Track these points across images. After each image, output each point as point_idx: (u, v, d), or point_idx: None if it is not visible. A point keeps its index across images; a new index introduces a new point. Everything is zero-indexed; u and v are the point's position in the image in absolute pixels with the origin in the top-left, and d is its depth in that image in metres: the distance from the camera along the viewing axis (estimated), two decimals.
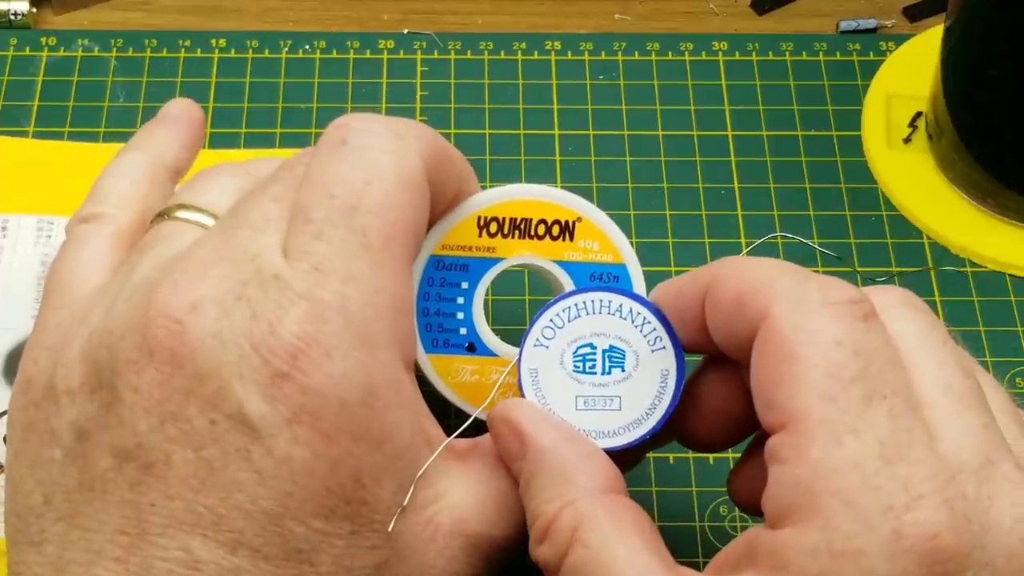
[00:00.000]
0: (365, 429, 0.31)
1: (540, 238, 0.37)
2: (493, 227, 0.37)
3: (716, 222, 0.50)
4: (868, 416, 0.29)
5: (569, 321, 0.35)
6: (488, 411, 0.36)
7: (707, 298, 0.32)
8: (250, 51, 0.54)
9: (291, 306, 0.31)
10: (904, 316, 0.32)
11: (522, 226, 0.37)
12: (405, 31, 0.55)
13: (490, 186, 0.38)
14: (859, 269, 0.49)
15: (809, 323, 0.30)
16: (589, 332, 0.35)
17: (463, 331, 0.37)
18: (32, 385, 0.33)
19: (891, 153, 0.52)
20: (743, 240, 0.50)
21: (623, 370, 0.34)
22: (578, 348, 0.35)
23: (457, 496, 0.33)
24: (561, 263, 0.37)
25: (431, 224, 0.36)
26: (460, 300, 0.37)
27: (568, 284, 0.37)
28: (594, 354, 0.35)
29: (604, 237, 0.37)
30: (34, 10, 0.55)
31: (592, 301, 0.35)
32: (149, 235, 0.35)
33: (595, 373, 0.34)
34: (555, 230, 0.37)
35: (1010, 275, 0.49)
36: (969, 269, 0.49)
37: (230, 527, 0.30)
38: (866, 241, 0.50)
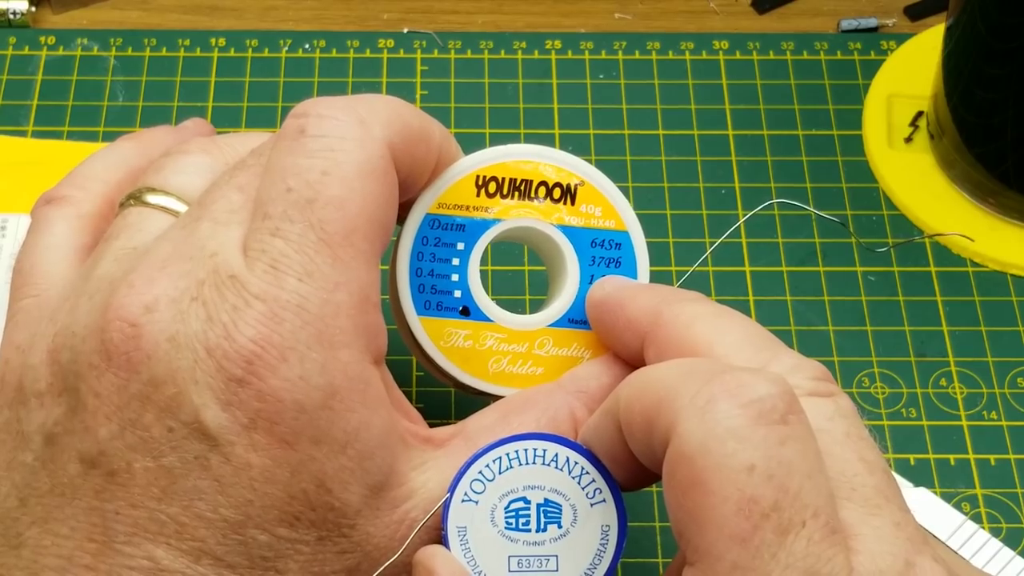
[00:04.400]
0: (326, 432, 0.30)
1: (540, 200, 0.36)
2: (492, 187, 0.35)
3: (717, 222, 0.50)
4: (783, 556, 0.26)
5: (500, 473, 0.32)
6: (483, 379, 0.35)
7: (623, 427, 0.30)
8: (250, 50, 0.54)
9: (246, 308, 0.30)
10: (810, 408, 0.29)
11: (522, 187, 0.36)
12: (405, 30, 0.55)
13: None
14: (860, 269, 0.49)
15: (717, 443, 0.26)
16: (522, 485, 0.32)
17: (457, 294, 0.36)
18: (4, 385, 0.33)
19: (892, 152, 0.52)
20: (744, 240, 0.49)
21: (560, 526, 0.32)
22: (510, 503, 0.32)
23: (434, 488, 0.32)
24: (561, 227, 0.36)
25: (412, 200, 0.35)
26: (455, 261, 0.36)
27: (568, 249, 0.36)
28: (528, 509, 0.32)
29: (607, 203, 0.36)
30: (33, 9, 0.55)
31: (525, 451, 0.32)
32: (115, 222, 0.34)
33: (529, 530, 0.32)
34: (556, 193, 0.36)
35: (1011, 275, 0.49)
36: (970, 269, 0.49)
37: (192, 535, 0.30)
38: (867, 241, 0.50)
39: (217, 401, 0.30)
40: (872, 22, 0.56)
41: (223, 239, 0.31)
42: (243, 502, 0.30)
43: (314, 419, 0.30)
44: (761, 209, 0.49)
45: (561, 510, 0.32)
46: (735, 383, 0.27)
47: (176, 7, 0.56)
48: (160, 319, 0.30)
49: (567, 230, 0.36)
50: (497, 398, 0.35)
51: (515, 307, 0.37)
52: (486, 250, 0.36)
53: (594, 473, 0.32)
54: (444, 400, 0.45)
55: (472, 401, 0.36)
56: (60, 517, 0.30)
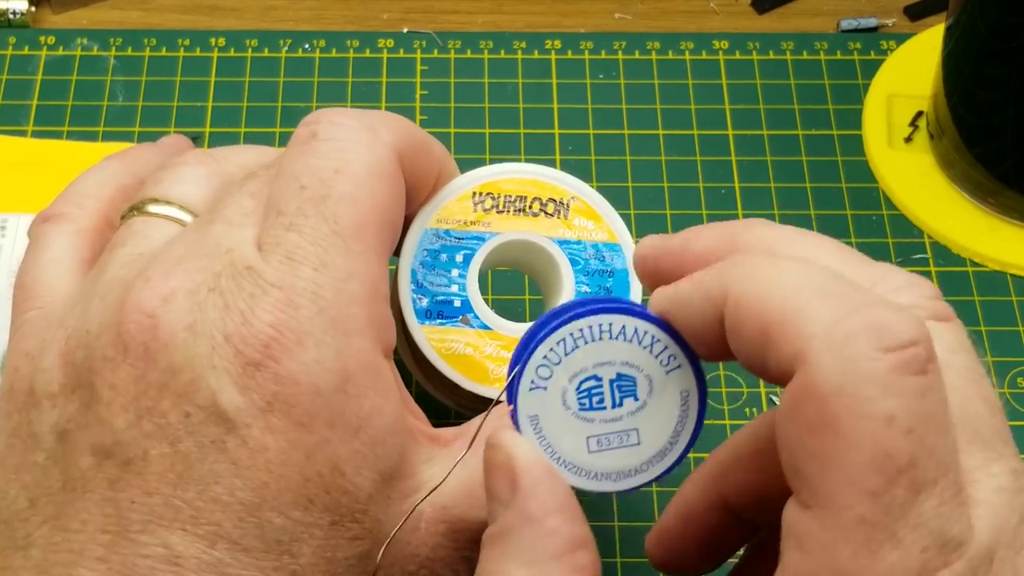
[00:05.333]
0: (340, 416, 0.31)
1: (535, 215, 0.37)
2: (488, 203, 0.37)
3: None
4: (913, 515, 0.25)
5: (566, 355, 0.30)
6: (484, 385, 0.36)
7: (726, 319, 0.28)
8: (249, 50, 0.54)
9: (263, 295, 0.31)
10: (947, 361, 0.27)
11: (517, 203, 0.37)
12: (405, 30, 0.55)
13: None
14: None
15: (856, 387, 0.25)
16: (591, 363, 0.30)
17: (457, 303, 0.37)
18: (14, 392, 0.33)
19: (892, 152, 0.52)
20: None
21: (636, 399, 0.30)
22: (581, 383, 0.30)
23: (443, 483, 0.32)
24: (556, 240, 0.37)
25: (415, 213, 0.37)
26: (455, 273, 0.37)
27: (563, 261, 0.37)
28: (600, 387, 0.30)
29: (599, 217, 0.38)
30: (33, 9, 0.55)
31: (589, 328, 0.30)
32: (120, 232, 0.35)
33: (604, 408, 0.30)
34: (550, 208, 0.37)
35: (1011, 275, 0.49)
36: (970, 268, 0.49)
37: (208, 520, 0.30)
38: (867, 241, 0.50)
39: (234, 385, 0.30)
40: (872, 22, 0.56)
41: (238, 238, 0.32)
42: (259, 484, 0.30)
43: (329, 402, 0.31)
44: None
45: (636, 382, 0.30)
46: (877, 321, 0.25)
47: (176, 7, 0.56)
48: (178, 308, 0.31)
49: (561, 243, 0.37)
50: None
51: (513, 307, 0.37)
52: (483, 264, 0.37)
53: (666, 340, 0.30)
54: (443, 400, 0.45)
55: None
56: (71, 512, 0.31)
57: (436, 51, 0.55)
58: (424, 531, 0.32)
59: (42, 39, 0.54)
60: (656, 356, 0.30)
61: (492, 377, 0.36)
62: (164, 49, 0.54)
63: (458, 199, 0.37)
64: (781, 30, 0.56)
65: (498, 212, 0.37)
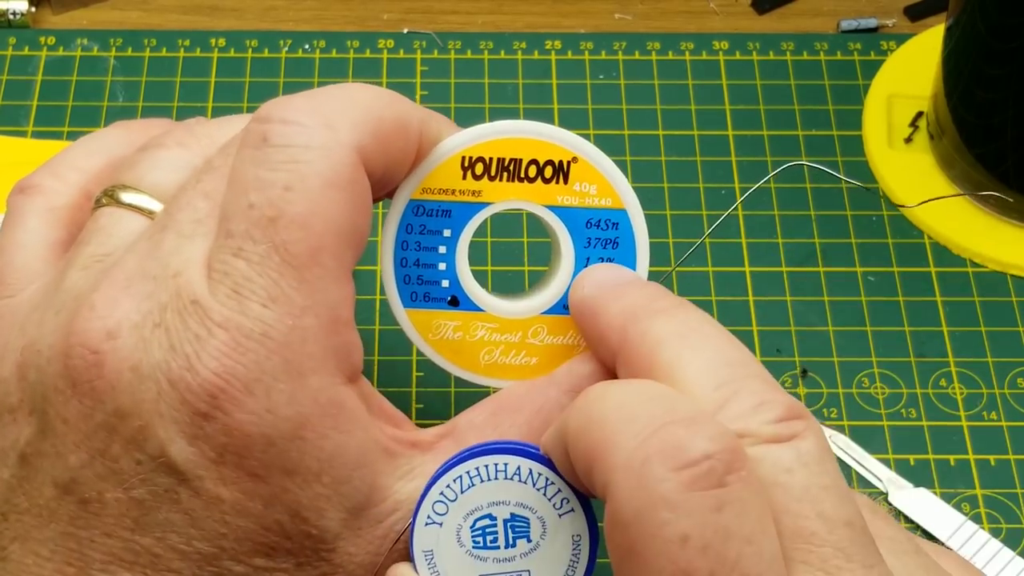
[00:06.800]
0: (298, 463, 0.29)
1: (531, 180, 0.33)
2: (479, 168, 0.33)
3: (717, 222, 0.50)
4: None
5: (462, 492, 0.31)
6: (476, 372, 0.34)
7: (570, 456, 0.28)
8: (249, 51, 0.54)
9: (209, 337, 0.29)
10: (767, 458, 0.27)
11: (511, 167, 0.33)
12: (405, 30, 0.55)
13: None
14: (860, 269, 0.49)
15: (649, 512, 0.25)
16: (486, 502, 0.31)
17: (445, 283, 0.34)
18: None
19: (892, 153, 0.52)
20: (744, 240, 0.49)
21: (529, 540, 0.31)
22: (476, 521, 0.31)
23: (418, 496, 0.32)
24: (554, 208, 0.34)
25: (389, 194, 0.34)
26: (442, 249, 0.34)
27: (562, 232, 0.34)
28: (494, 526, 0.31)
29: (602, 179, 0.34)
30: (33, 9, 0.55)
31: (486, 467, 0.30)
32: (87, 225, 0.33)
33: (498, 547, 0.31)
34: (548, 171, 0.33)
35: (1011, 275, 0.49)
36: (970, 269, 0.49)
37: (168, 567, 0.29)
38: (867, 241, 0.50)
39: (183, 435, 0.29)
40: (872, 22, 0.56)
41: (187, 255, 0.30)
42: (216, 535, 0.29)
43: (284, 451, 0.29)
44: (767, 181, 0.49)
45: (529, 524, 0.31)
46: (672, 442, 0.25)
47: (176, 7, 0.56)
48: (122, 346, 0.29)
49: (560, 211, 0.34)
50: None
51: (513, 279, 0.35)
52: (483, 241, 0.35)
53: (559, 483, 0.31)
54: (444, 400, 0.45)
55: (470, 396, 0.36)
56: (39, 537, 0.30)
57: (436, 51, 0.55)
58: (402, 551, 0.31)
59: (42, 39, 0.54)
60: (550, 499, 0.31)
61: (482, 363, 0.34)
62: (164, 49, 0.54)
63: (445, 165, 0.33)
64: (781, 30, 0.56)
65: (490, 179, 0.33)
